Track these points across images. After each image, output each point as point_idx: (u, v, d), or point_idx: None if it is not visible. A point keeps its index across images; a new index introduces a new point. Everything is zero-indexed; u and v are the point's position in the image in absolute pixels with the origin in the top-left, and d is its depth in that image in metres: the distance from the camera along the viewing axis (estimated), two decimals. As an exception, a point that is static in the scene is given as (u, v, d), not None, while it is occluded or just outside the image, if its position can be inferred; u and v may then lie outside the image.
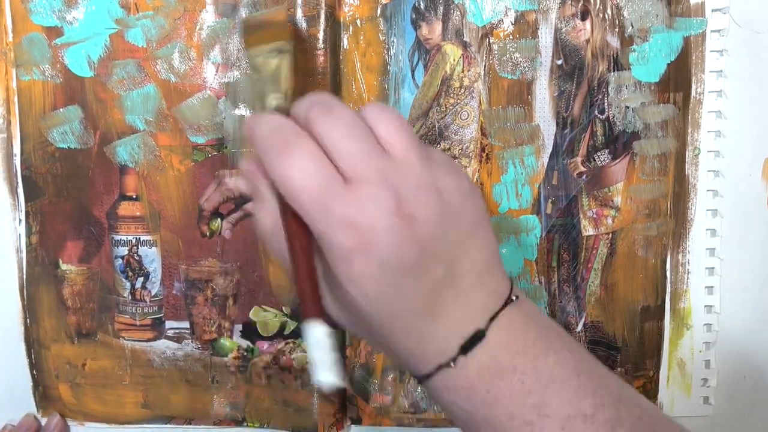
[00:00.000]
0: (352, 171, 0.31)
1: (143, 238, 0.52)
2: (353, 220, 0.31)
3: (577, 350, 0.36)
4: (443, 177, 0.33)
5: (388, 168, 0.32)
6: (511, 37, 0.50)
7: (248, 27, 0.42)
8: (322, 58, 0.49)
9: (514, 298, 0.35)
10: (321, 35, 0.49)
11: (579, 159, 0.51)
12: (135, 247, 0.52)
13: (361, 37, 0.50)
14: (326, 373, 0.32)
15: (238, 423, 0.53)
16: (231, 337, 0.52)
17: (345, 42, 0.50)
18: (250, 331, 0.52)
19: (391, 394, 0.53)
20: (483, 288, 0.34)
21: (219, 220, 0.51)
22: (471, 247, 0.34)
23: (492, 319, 0.34)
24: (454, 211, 0.33)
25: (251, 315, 0.52)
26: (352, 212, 0.31)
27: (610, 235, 0.52)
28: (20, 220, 0.52)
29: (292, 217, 0.32)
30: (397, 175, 0.32)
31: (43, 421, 0.53)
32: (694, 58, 0.50)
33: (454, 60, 0.50)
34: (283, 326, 0.52)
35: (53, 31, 0.50)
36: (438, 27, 0.50)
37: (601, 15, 0.49)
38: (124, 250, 0.52)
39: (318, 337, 0.32)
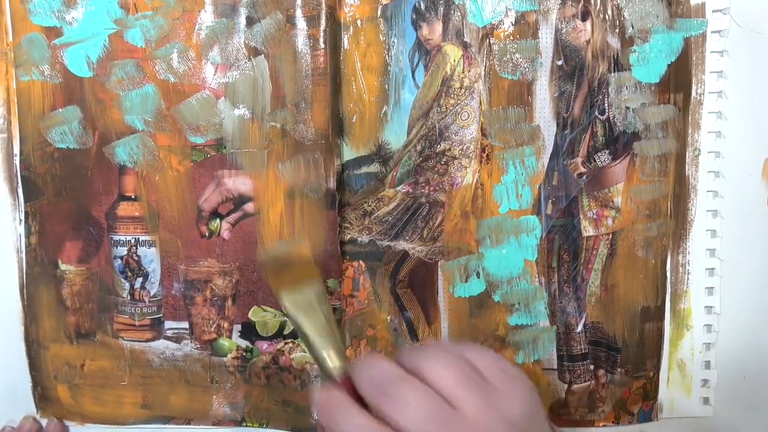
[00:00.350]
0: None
1: (142, 238, 0.52)
2: None
3: None
4: (512, 409, 0.35)
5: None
6: (511, 38, 0.50)
7: (275, 268, 0.42)
8: (322, 59, 0.49)
9: None
10: (321, 35, 0.49)
11: (579, 160, 0.51)
12: (134, 248, 0.52)
13: (362, 38, 0.50)
14: None
15: (238, 423, 0.53)
16: (230, 337, 0.52)
17: (345, 42, 0.50)
18: (249, 331, 0.52)
19: (391, 394, 0.53)
20: None
21: (218, 220, 0.51)
22: None
23: None
24: None
25: (250, 315, 0.52)
26: None
27: (611, 236, 0.52)
28: (20, 220, 0.52)
29: None
30: None
31: (44, 422, 0.53)
32: (694, 58, 0.50)
33: (454, 60, 0.50)
34: (282, 326, 0.52)
35: (52, 32, 0.49)
36: (438, 27, 0.50)
37: (601, 16, 0.49)
38: (123, 251, 0.52)
39: None
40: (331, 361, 0.37)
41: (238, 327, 0.52)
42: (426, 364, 0.35)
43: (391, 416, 0.34)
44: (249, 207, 0.51)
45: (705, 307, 0.53)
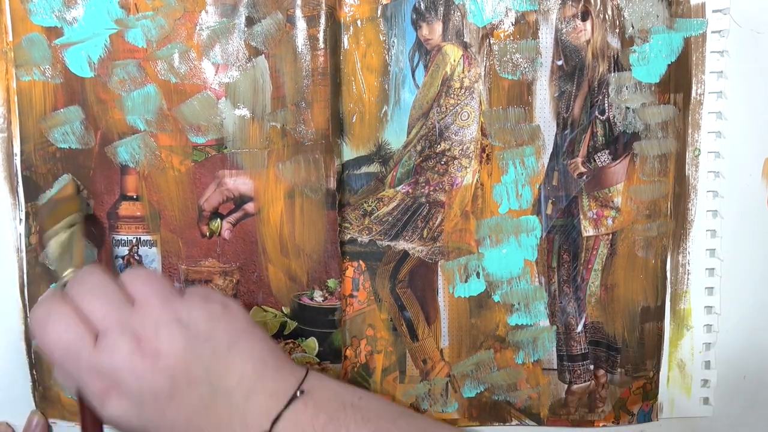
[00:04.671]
0: (98, 325, 0.37)
1: (143, 238, 0.52)
2: (99, 367, 0.36)
3: (375, 418, 0.39)
4: (189, 310, 0.38)
5: (128, 316, 0.37)
6: (511, 38, 0.50)
7: (42, 213, 0.49)
8: (322, 59, 0.49)
9: (299, 393, 0.38)
10: (321, 35, 0.49)
11: (579, 160, 0.51)
12: (135, 247, 0.52)
13: (362, 38, 0.50)
14: None
15: (238, 423, 0.53)
16: (231, 337, 0.52)
17: (345, 42, 0.50)
18: (250, 332, 0.52)
19: (391, 394, 0.53)
20: (260, 393, 0.38)
21: (219, 220, 0.51)
22: (234, 362, 0.38)
23: (276, 420, 0.37)
24: (204, 337, 0.38)
25: (251, 315, 0.52)
26: (97, 361, 0.36)
27: (611, 236, 0.52)
28: (20, 220, 0.52)
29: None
30: (137, 320, 0.37)
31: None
32: (694, 58, 0.50)
33: (454, 60, 0.50)
34: (282, 326, 0.52)
35: (53, 32, 0.50)
36: (438, 27, 0.50)
37: (601, 16, 0.49)
38: (124, 250, 0.52)
39: None
40: (66, 276, 0.43)
41: (238, 327, 0.52)
42: (125, 278, 0.40)
43: (83, 306, 0.38)
44: (249, 207, 0.51)
45: (705, 307, 0.53)
